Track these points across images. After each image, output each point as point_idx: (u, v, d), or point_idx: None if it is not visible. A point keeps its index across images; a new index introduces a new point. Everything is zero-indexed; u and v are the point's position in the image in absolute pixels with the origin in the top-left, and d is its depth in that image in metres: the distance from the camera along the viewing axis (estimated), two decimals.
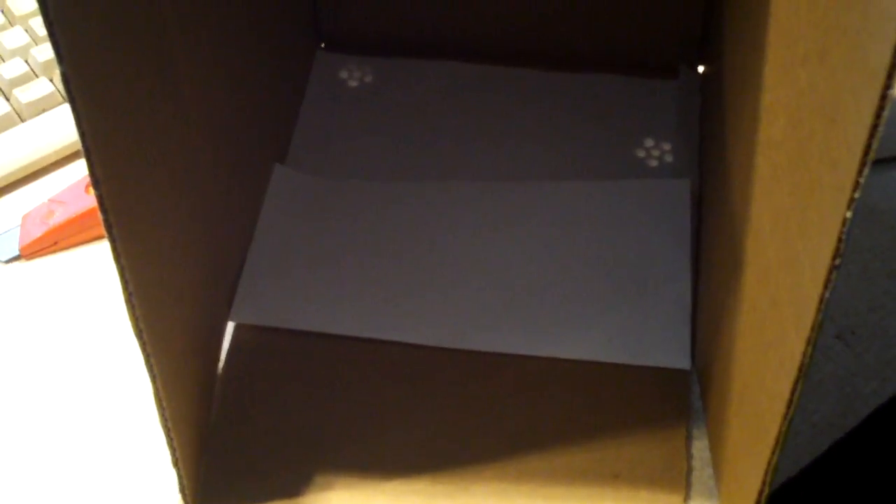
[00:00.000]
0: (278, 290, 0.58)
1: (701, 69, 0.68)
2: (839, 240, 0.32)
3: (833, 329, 0.57)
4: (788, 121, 0.38)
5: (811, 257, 0.35)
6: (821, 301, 0.34)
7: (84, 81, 0.35)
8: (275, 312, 0.58)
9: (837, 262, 0.33)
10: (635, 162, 0.64)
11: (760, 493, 0.42)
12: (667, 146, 0.64)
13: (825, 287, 0.34)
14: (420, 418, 0.54)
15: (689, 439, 0.53)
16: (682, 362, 0.55)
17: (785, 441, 0.40)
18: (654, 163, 0.64)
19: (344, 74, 0.69)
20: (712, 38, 0.63)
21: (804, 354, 0.36)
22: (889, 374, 0.55)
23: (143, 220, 0.42)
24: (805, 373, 0.37)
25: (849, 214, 0.31)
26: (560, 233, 0.60)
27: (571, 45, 0.69)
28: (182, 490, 0.49)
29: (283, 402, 0.55)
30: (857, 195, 0.31)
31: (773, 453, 0.40)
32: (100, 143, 0.37)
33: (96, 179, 0.37)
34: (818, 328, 0.35)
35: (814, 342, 0.36)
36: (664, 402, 0.54)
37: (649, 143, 0.65)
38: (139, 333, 0.42)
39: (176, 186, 0.47)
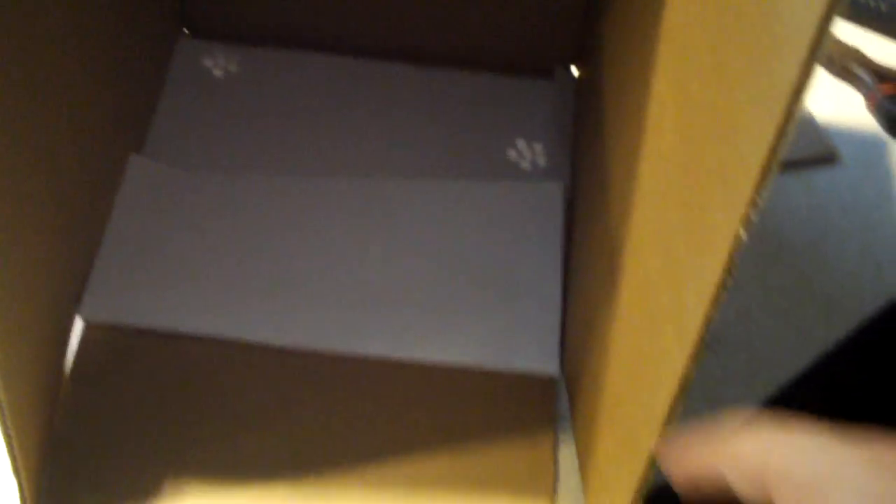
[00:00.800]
0: (130, 287, 0.55)
1: (576, 72, 0.67)
2: (730, 258, 0.32)
3: None
4: (678, 135, 0.37)
5: (697, 275, 0.34)
6: (706, 319, 0.34)
7: None
8: (126, 310, 0.54)
9: (728, 281, 0.32)
10: (507, 163, 0.63)
11: None
12: (539, 148, 0.64)
13: (711, 305, 0.33)
14: (279, 422, 0.52)
15: (556, 446, 0.52)
16: (551, 368, 0.54)
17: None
18: (525, 164, 0.63)
19: (208, 62, 0.66)
20: (590, 41, 0.62)
21: (687, 370, 0.36)
22: (754, 383, 0.56)
23: None
24: (686, 389, 0.36)
25: (742, 233, 0.31)
26: (429, 233, 0.59)
27: (445, 41, 0.67)
28: (23, 501, 0.46)
29: (134, 405, 0.52)
30: (752, 215, 0.30)
31: (647, 468, 0.40)
32: None
33: None
34: (701, 345, 0.35)
35: (696, 359, 0.35)
36: (531, 409, 0.53)
37: (521, 143, 0.64)
38: None
39: (31, 173, 0.44)
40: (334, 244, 0.58)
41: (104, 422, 0.51)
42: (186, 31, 0.68)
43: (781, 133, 0.28)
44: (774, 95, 0.28)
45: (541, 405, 0.53)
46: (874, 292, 0.61)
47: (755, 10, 0.30)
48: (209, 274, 0.56)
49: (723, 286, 0.32)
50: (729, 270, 0.32)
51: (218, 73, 0.66)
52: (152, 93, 0.64)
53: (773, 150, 0.28)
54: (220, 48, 0.67)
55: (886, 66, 0.73)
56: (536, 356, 0.54)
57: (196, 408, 0.52)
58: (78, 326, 0.54)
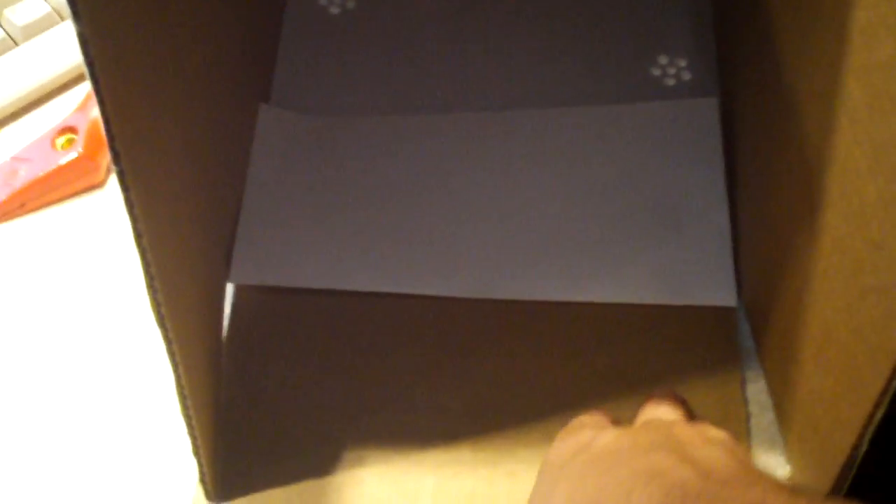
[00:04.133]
0: (277, 246, 0.53)
1: None
2: None
3: None
4: None
5: None
6: None
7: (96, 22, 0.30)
8: (276, 270, 0.52)
9: None
10: (651, 81, 0.59)
11: (855, 447, 0.38)
12: (683, 62, 0.60)
13: None
14: (452, 379, 0.49)
15: (744, 382, 0.49)
16: (729, 299, 0.51)
17: (892, 395, 0.36)
18: (671, 81, 0.59)
19: (323, 1, 0.63)
20: None
21: None
22: None
23: (152, 173, 0.37)
24: None
25: None
26: (583, 164, 0.55)
27: None
28: (202, 478, 0.45)
29: (297, 371, 0.50)
30: None
31: (875, 407, 0.37)
32: (111, 85, 0.32)
33: (111, 135, 0.32)
34: None
35: None
36: (712, 344, 0.50)
37: (664, 60, 0.60)
38: (156, 306, 0.37)
39: (174, 133, 0.42)
40: (482, 184, 0.55)
41: (268, 391, 0.49)
42: None
43: None
44: None
45: (722, 340, 0.50)
46: None
47: None
48: (356, 225, 0.54)
49: None
50: None
51: (334, 10, 0.63)
52: (271, 39, 0.61)
53: None
54: None
55: None
56: (712, 287, 0.51)
57: (360, 366, 0.50)
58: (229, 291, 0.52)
